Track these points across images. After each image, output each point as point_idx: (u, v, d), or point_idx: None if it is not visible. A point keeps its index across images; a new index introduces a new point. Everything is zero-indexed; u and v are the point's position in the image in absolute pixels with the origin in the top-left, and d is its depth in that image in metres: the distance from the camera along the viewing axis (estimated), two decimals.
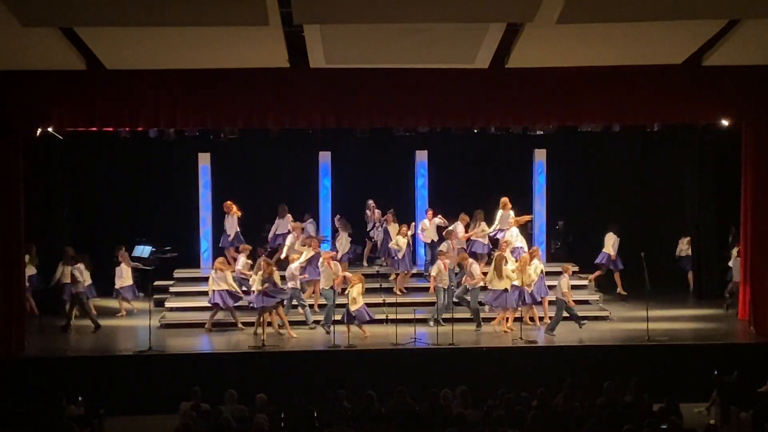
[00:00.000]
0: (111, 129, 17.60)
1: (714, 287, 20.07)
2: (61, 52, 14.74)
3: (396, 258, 18.77)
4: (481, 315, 17.41)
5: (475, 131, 19.49)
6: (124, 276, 18.73)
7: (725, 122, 17.58)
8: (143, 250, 20.60)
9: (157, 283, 18.22)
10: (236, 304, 17.37)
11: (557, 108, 16.92)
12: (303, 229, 18.90)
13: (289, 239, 18.71)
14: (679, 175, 21.18)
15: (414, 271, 19.34)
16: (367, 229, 20.26)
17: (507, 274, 16.98)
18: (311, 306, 17.78)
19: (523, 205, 19.79)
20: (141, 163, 21.31)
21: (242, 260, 18.07)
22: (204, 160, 20.61)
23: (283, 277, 17.31)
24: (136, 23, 13.12)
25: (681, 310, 18.95)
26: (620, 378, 13.65)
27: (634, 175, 21.91)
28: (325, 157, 20.62)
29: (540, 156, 20.74)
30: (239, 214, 19.27)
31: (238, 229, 19.25)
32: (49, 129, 17.24)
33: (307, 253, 17.69)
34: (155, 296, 17.65)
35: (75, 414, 13.02)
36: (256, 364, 15.52)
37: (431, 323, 17.02)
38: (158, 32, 13.82)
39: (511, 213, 19.00)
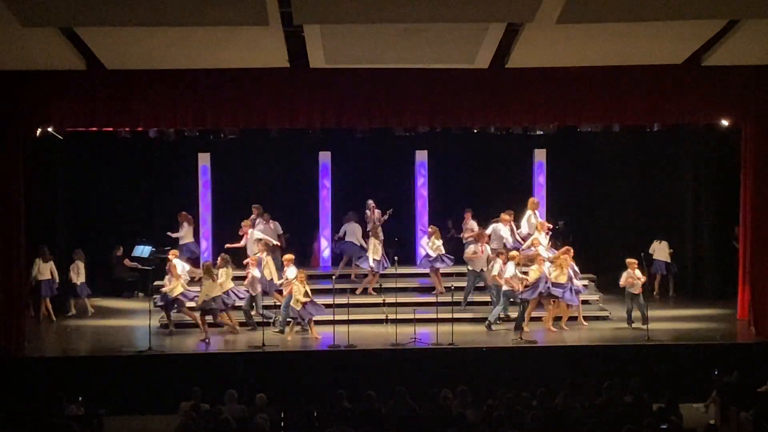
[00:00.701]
0: (111, 129, 17.61)
1: (714, 287, 20.07)
2: (61, 52, 14.74)
3: (432, 256, 18.64)
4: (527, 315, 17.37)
5: (475, 131, 19.48)
6: (80, 273, 18.71)
7: (725, 122, 17.58)
8: (143, 250, 20.58)
9: (157, 283, 18.20)
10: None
11: (557, 108, 16.90)
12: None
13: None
14: (679, 175, 21.18)
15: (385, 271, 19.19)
16: (367, 229, 20.24)
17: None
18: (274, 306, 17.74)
19: (523, 205, 19.74)
20: (141, 163, 21.30)
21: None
22: (204, 160, 20.60)
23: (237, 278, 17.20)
24: (136, 23, 13.13)
25: (681, 310, 18.95)
26: (620, 378, 13.65)
27: (634, 175, 21.89)
28: (325, 157, 20.60)
29: (540, 156, 20.70)
30: (192, 226, 19.65)
31: (192, 240, 19.47)
32: (49, 129, 17.24)
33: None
34: (155, 296, 17.66)
35: (75, 414, 13.00)
36: (256, 364, 15.50)
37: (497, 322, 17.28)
38: (158, 32, 13.82)
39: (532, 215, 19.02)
